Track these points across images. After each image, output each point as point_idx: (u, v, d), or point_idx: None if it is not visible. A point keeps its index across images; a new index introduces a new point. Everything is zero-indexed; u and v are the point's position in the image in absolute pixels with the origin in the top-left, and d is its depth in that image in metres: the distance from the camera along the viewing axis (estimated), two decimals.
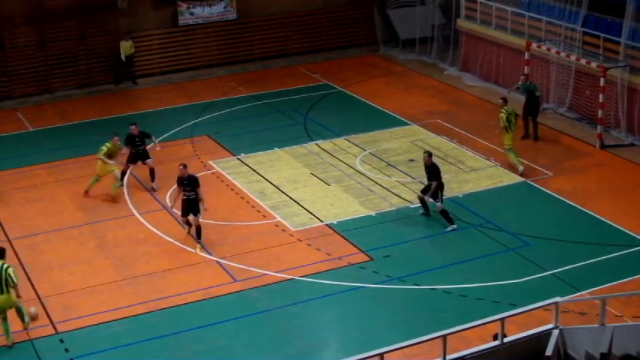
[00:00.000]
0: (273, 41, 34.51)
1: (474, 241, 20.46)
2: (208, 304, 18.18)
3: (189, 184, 20.53)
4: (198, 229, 20.58)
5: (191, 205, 20.54)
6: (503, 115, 23.89)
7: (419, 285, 18.64)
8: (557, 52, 27.47)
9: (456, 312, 17.54)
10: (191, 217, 20.62)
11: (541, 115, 28.05)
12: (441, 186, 21.05)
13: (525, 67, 28.31)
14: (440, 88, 31.25)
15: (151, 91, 31.64)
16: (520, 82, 26.86)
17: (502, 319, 13.16)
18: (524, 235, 20.62)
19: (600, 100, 25.66)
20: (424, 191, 21.35)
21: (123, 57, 31.58)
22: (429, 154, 21.31)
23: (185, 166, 20.73)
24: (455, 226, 20.87)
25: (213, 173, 24.35)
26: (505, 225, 21.08)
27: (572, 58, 26.99)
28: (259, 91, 30.45)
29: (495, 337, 13.63)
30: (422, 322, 17.16)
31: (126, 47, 31.62)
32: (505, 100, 24.33)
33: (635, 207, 21.93)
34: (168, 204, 22.26)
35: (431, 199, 21.09)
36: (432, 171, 21.10)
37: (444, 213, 20.98)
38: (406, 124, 27.67)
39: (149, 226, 21.49)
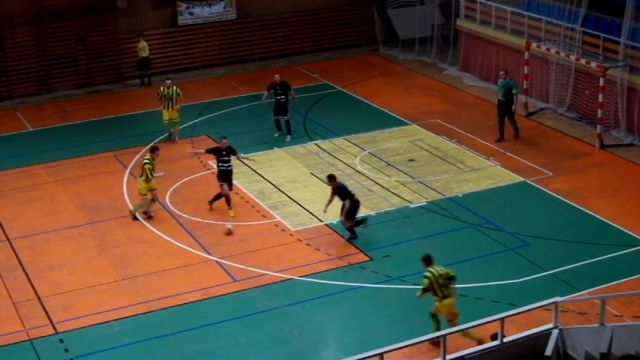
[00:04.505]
0: (273, 41, 34.53)
1: (474, 241, 20.46)
2: (208, 304, 18.18)
3: (227, 154, 21.85)
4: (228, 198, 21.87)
5: (227, 175, 21.91)
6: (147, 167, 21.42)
7: (419, 285, 18.59)
8: (557, 52, 27.46)
9: None
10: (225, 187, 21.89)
11: (541, 115, 28.13)
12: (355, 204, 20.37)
13: (525, 67, 28.32)
14: (440, 87, 31.26)
15: (151, 90, 31.57)
16: (500, 79, 26.10)
17: (502, 319, 13.18)
18: (523, 234, 20.62)
19: (600, 100, 25.65)
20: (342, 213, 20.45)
21: (145, 55, 31.71)
22: (332, 177, 20.61)
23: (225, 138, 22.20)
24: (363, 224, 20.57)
25: (212, 173, 24.33)
26: (505, 225, 21.08)
27: (572, 57, 26.98)
28: (259, 91, 30.40)
29: (493, 337, 13.65)
30: (422, 322, 17.12)
31: (144, 47, 31.64)
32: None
33: (635, 207, 21.93)
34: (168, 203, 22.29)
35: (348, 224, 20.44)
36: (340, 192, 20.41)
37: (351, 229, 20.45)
38: (406, 123, 27.67)
39: (149, 226, 21.49)
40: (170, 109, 25.93)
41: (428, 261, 16.48)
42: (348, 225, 20.43)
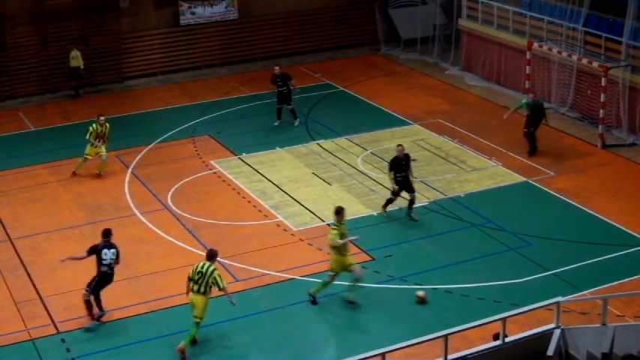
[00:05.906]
0: (275, 41, 34.52)
1: (476, 241, 20.45)
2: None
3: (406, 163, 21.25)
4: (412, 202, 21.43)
5: (404, 183, 21.30)
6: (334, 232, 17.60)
7: (420, 285, 18.62)
8: (559, 52, 27.45)
9: (458, 312, 17.52)
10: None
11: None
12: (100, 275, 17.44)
13: (527, 67, 28.31)
14: (441, 87, 31.24)
15: (153, 90, 31.64)
16: (525, 100, 25.09)
17: (504, 319, 13.18)
18: (525, 234, 20.61)
19: (602, 100, 25.65)
20: None
21: (81, 66, 30.71)
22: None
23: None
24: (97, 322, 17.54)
25: (214, 173, 24.36)
26: (507, 225, 21.07)
27: (574, 57, 26.97)
28: (260, 90, 30.44)
29: (495, 337, 13.65)
30: (423, 322, 17.15)
31: (77, 56, 30.67)
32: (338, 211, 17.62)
33: (637, 206, 21.91)
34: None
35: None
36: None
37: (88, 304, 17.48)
38: (408, 123, 27.66)
39: (151, 225, 21.49)
40: (99, 146, 24.04)
41: (209, 254, 16.78)
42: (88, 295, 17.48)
